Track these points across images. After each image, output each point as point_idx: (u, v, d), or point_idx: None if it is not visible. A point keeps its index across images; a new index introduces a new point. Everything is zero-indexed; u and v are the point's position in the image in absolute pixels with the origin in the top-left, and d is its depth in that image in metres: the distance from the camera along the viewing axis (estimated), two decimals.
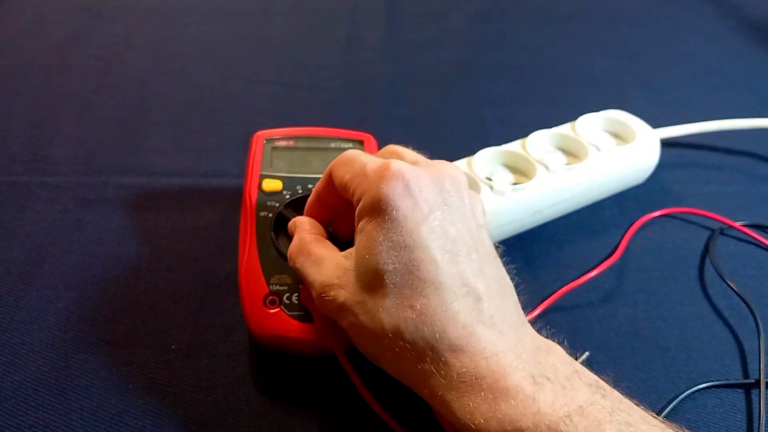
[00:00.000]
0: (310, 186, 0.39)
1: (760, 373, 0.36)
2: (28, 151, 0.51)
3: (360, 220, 0.30)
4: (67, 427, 0.33)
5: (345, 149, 0.42)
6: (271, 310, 0.34)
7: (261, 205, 0.38)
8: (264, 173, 0.40)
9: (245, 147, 0.42)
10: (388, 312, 0.27)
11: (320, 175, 0.40)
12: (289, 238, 0.37)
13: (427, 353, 0.27)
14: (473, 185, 0.42)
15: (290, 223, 0.36)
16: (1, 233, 0.44)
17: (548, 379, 0.26)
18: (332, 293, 0.30)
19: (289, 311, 0.34)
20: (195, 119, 0.55)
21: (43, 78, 0.60)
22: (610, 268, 0.42)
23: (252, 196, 0.38)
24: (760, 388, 0.36)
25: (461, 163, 0.43)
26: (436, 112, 0.57)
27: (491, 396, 0.25)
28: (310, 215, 0.36)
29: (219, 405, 0.34)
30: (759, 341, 0.38)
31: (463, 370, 0.26)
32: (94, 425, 0.33)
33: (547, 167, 0.43)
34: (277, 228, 0.37)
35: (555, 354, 0.28)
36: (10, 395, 0.34)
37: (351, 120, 0.56)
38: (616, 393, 0.27)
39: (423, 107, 0.58)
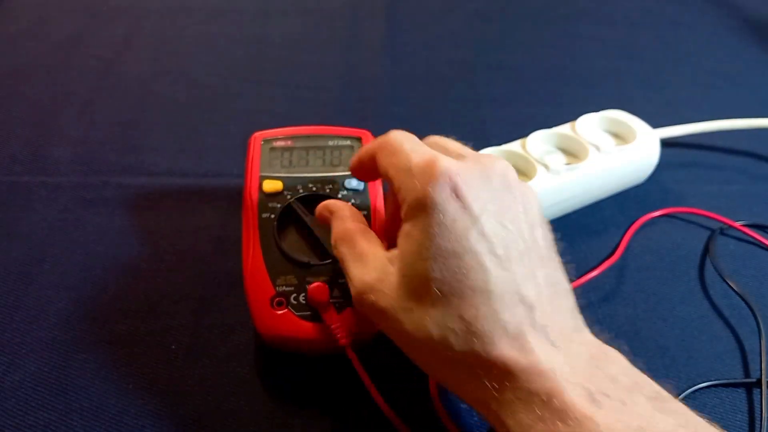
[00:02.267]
0: (310, 185, 0.39)
1: (761, 373, 0.36)
2: (28, 151, 0.51)
3: (406, 220, 0.28)
4: (67, 427, 0.33)
5: (343, 147, 0.42)
6: (279, 312, 0.34)
7: (262, 206, 0.38)
8: (264, 174, 0.40)
9: (245, 147, 0.42)
10: (436, 322, 0.26)
11: (320, 174, 0.40)
12: (293, 238, 0.37)
13: (478, 366, 0.26)
14: None
15: (322, 207, 0.35)
16: (1, 233, 0.44)
17: (607, 395, 0.24)
18: (373, 297, 0.28)
19: (296, 312, 0.34)
20: (195, 119, 0.55)
21: (43, 78, 0.60)
22: (610, 268, 0.42)
23: (253, 197, 0.38)
24: (761, 387, 0.36)
25: None
26: (436, 112, 0.57)
27: (547, 414, 0.24)
28: (356, 176, 0.35)
29: (219, 405, 0.34)
30: (760, 340, 0.38)
31: (516, 385, 0.25)
32: (94, 425, 0.33)
33: (547, 167, 0.43)
34: (281, 228, 0.37)
35: (612, 362, 0.26)
36: (10, 395, 0.34)
37: (351, 120, 0.55)
38: (678, 405, 0.25)
39: (423, 107, 0.58)
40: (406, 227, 0.28)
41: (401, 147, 0.30)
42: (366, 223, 0.33)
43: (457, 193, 0.27)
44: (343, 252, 0.31)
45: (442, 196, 0.27)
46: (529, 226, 0.28)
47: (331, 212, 0.34)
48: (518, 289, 0.26)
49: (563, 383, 0.24)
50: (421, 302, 0.27)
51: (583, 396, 0.24)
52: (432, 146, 0.31)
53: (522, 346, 0.25)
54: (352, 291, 0.30)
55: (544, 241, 0.29)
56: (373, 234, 0.32)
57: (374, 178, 0.35)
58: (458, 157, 0.30)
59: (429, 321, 0.26)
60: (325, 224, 0.34)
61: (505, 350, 0.25)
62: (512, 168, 0.30)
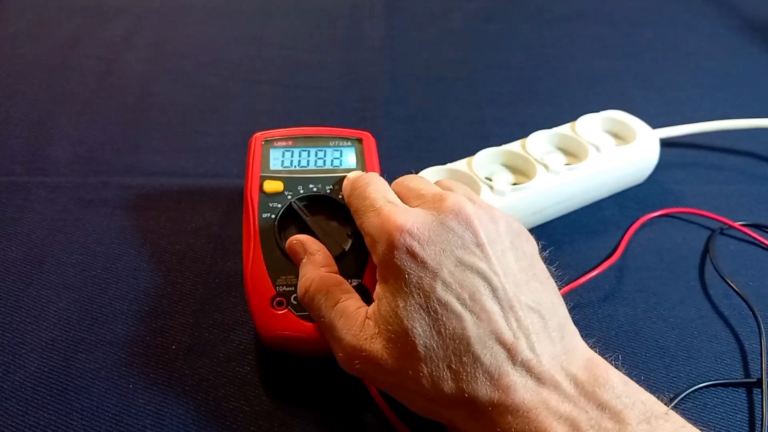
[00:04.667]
0: (311, 185, 0.39)
1: (761, 372, 0.36)
2: (28, 151, 0.51)
3: (379, 280, 0.30)
4: (67, 427, 0.33)
5: (343, 147, 0.42)
6: (279, 312, 0.34)
7: (263, 207, 0.38)
8: (264, 175, 0.40)
9: (245, 147, 0.42)
10: (428, 376, 0.27)
11: (321, 175, 0.40)
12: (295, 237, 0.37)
13: (471, 408, 0.26)
14: (473, 185, 0.42)
15: (296, 242, 0.35)
16: (1, 233, 0.44)
17: (596, 427, 0.25)
18: (362, 363, 0.29)
19: (297, 312, 0.34)
20: (195, 119, 0.55)
21: (43, 78, 0.60)
22: (610, 268, 0.42)
23: (253, 198, 0.38)
24: (761, 387, 0.36)
25: (461, 164, 0.43)
26: (436, 112, 0.57)
27: None
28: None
29: (219, 405, 0.34)
30: (760, 340, 0.38)
31: (510, 426, 0.25)
32: (94, 425, 0.33)
33: (547, 167, 0.43)
34: (281, 228, 0.37)
35: (603, 385, 0.26)
36: (10, 395, 0.34)
37: (351, 120, 0.56)
38: (671, 424, 0.25)
39: (423, 107, 0.58)
40: (379, 289, 0.30)
41: (363, 203, 0.32)
42: (335, 266, 0.34)
43: (413, 254, 0.28)
44: (321, 304, 0.31)
45: (401, 260, 0.28)
46: (496, 254, 0.29)
47: (305, 251, 0.34)
48: (495, 328, 0.27)
49: (548, 420, 0.25)
50: (409, 359, 0.27)
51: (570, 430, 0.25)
52: (396, 188, 0.34)
53: (506, 386, 0.26)
54: (339, 353, 0.30)
55: (517, 262, 0.29)
56: (347, 285, 0.32)
57: None
58: (417, 200, 0.31)
59: (420, 375, 0.27)
60: (294, 259, 0.35)
61: (489, 392, 0.26)
62: (466, 199, 0.30)
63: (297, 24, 0.70)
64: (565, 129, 0.47)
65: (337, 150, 0.42)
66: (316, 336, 0.33)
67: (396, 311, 0.28)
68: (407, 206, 0.32)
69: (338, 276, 0.33)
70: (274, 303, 0.34)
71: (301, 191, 0.39)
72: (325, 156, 0.42)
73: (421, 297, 0.27)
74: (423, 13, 0.72)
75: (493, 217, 0.30)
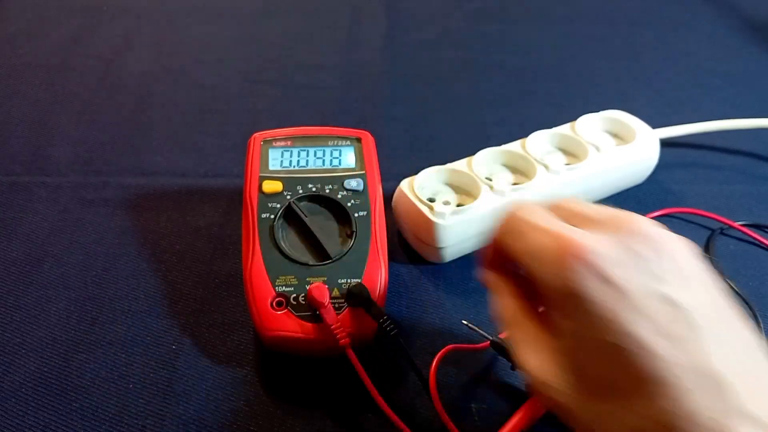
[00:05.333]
0: (310, 185, 0.39)
1: None
2: (28, 151, 0.51)
3: (554, 310, 0.26)
4: (67, 427, 0.33)
5: (342, 147, 0.42)
6: (279, 312, 0.34)
7: (262, 207, 0.38)
8: (263, 175, 0.40)
9: (245, 147, 0.42)
10: (619, 420, 0.23)
11: (320, 174, 0.40)
12: (292, 238, 0.37)
13: None
14: (473, 185, 0.42)
15: (484, 276, 0.31)
16: (1, 233, 0.44)
17: None
18: (550, 393, 0.26)
19: (296, 312, 0.34)
20: (195, 119, 0.55)
21: (43, 78, 0.60)
22: None
23: (253, 198, 0.38)
24: None
25: (461, 164, 0.43)
26: (436, 112, 0.57)
27: None
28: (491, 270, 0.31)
29: (219, 405, 0.34)
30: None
31: None
32: (94, 425, 0.33)
33: (547, 167, 0.43)
34: (280, 229, 0.37)
35: None
36: (10, 395, 0.34)
37: (351, 120, 0.56)
38: None
39: (423, 107, 0.58)
40: (557, 319, 0.26)
41: (526, 227, 0.27)
42: (527, 304, 0.29)
43: (599, 275, 0.24)
44: (516, 336, 0.28)
45: (584, 283, 0.24)
46: (698, 287, 0.25)
47: (494, 286, 0.30)
48: (699, 365, 0.22)
49: None
50: (597, 399, 0.24)
51: None
52: (557, 212, 0.29)
53: None
54: (529, 380, 0.27)
55: (718, 299, 0.25)
56: (539, 317, 0.28)
57: (509, 269, 0.31)
58: (589, 224, 0.27)
59: (612, 420, 0.23)
60: (490, 290, 0.31)
61: None
62: (655, 223, 0.26)
63: (297, 24, 0.70)
64: (565, 129, 0.47)
65: (336, 150, 0.42)
66: (316, 336, 0.33)
67: (578, 345, 0.25)
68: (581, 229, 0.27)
69: (530, 307, 0.29)
70: (274, 303, 0.34)
71: (300, 191, 0.39)
72: (323, 156, 0.42)
73: (607, 331, 0.23)
74: (423, 13, 0.72)
75: (684, 243, 0.26)
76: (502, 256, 0.29)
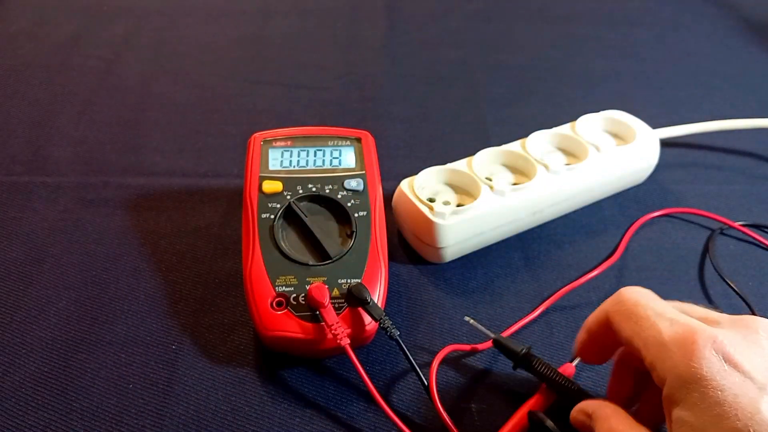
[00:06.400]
0: (309, 185, 0.39)
1: None
2: (28, 151, 0.51)
3: (674, 403, 0.25)
4: (67, 427, 0.33)
5: (342, 147, 0.42)
6: (279, 312, 0.34)
7: (262, 207, 0.38)
8: (263, 175, 0.40)
9: (245, 147, 0.42)
10: None
11: (320, 174, 0.40)
12: (292, 238, 0.37)
13: None
14: (473, 185, 0.42)
15: (577, 412, 0.30)
16: (1, 233, 0.44)
17: None
18: None
19: (296, 312, 0.34)
20: (195, 119, 0.55)
21: (43, 78, 0.60)
22: (610, 268, 0.42)
23: (252, 198, 0.38)
24: None
25: (461, 164, 0.43)
26: (436, 112, 0.57)
27: None
28: (585, 358, 0.31)
29: (219, 405, 0.34)
30: None
31: None
32: (94, 425, 0.33)
33: (547, 167, 0.43)
34: (280, 229, 0.37)
35: None
36: (10, 395, 0.34)
37: (351, 120, 0.56)
38: None
39: (423, 107, 0.58)
40: (678, 412, 0.25)
41: (645, 312, 0.27)
42: (625, 412, 0.29)
43: (730, 362, 0.24)
44: None
45: (714, 370, 0.24)
46: None
47: (589, 415, 0.30)
48: None
49: None
50: None
51: None
52: (677, 308, 0.28)
53: None
54: None
55: None
56: (638, 426, 0.27)
57: (610, 355, 0.31)
58: (710, 322, 0.27)
59: None
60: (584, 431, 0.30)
61: None
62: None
63: (297, 24, 0.70)
64: (565, 129, 0.47)
65: (336, 150, 0.42)
66: (316, 336, 0.33)
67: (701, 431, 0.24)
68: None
69: (629, 419, 0.28)
70: (274, 303, 0.34)
71: (300, 191, 0.39)
72: (323, 156, 0.42)
73: (738, 419, 0.23)
74: (423, 13, 0.72)
75: None
76: (606, 340, 0.29)
